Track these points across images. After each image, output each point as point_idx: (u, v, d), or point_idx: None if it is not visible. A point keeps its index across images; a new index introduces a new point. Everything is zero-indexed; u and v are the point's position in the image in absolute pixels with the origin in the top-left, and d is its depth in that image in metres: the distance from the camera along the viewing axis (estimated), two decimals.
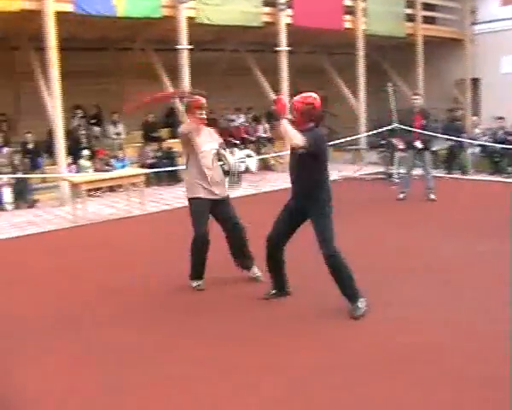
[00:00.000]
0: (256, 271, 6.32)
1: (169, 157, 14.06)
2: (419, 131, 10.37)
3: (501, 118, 14.55)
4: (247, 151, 15.86)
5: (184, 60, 13.39)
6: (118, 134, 14.98)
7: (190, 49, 13.53)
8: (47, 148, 13.75)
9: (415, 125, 10.43)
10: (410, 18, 18.37)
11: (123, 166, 13.40)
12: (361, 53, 16.95)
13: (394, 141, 12.81)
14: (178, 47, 13.32)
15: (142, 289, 6.34)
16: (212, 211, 6.13)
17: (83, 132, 13.96)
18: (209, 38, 15.82)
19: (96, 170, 12.96)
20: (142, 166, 13.66)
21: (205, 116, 6.14)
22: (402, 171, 11.65)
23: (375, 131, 14.76)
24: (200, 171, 6.07)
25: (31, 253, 8.36)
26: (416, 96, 10.81)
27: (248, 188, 12.87)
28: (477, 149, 13.90)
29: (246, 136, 16.47)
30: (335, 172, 13.58)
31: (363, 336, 4.83)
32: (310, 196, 5.32)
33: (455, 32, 19.52)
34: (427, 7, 18.90)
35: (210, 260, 6.15)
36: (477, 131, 14.65)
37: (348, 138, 14.90)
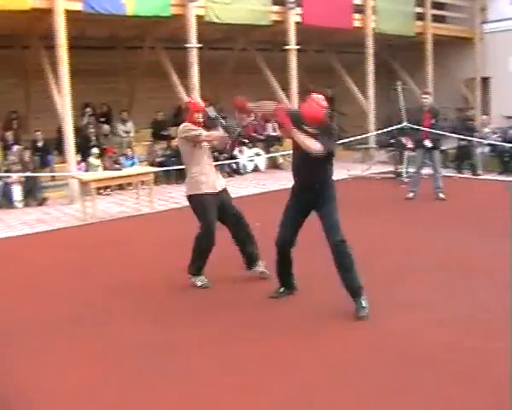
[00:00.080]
0: (261, 268, 6.32)
1: (178, 155, 14.00)
2: (428, 129, 10.33)
3: (511, 117, 14.48)
4: (256, 150, 15.86)
5: (193, 58, 13.39)
6: (127, 132, 15.01)
7: (199, 48, 13.54)
8: (56, 146, 13.82)
9: (424, 124, 10.39)
10: (420, 16, 18.32)
11: (132, 165, 13.43)
12: (370, 52, 16.90)
13: (403, 140, 12.79)
14: (187, 45, 13.33)
15: (151, 286, 6.34)
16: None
17: (92, 130, 14.00)
18: (218, 37, 15.84)
19: (105, 168, 12.99)
20: (151, 165, 13.69)
21: (201, 119, 6.28)
22: (411, 170, 11.61)
23: (384, 130, 14.71)
24: (202, 167, 6.15)
25: (40, 250, 8.38)
26: (426, 95, 10.75)
27: (257, 186, 12.90)
28: (487, 149, 13.84)
29: (254, 134, 16.45)
30: (344, 170, 13.57)
31: (372, 336, 4.80)
32: (321, 187, 5.35)
33: (465, 30, 19.46)
34: (437, 5, 18.84)
35: (211, 259, 6.19)
36: (487, 130, 14.58)
37: (357, 137, 14.87)
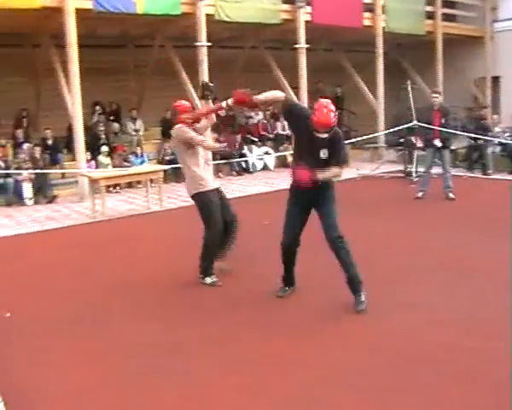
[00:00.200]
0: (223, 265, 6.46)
1: None
2: (438, 128, 10.30)
3: None
4: (266, 148, 15.87)
5: (203, 57, 13.42)
6: (136, 130, 15.06)
7: (209, 46, 13.57)
8: (66, 144, 13.89)
9: (434, 124, 10.36)
10: (430, 15, 18.26)
11: (141, 163, 13.48)
12: (380, 51, 16.86)
13: (413, 139, 12.75)
14: (197, 44, 13.35)
15: (154, 285, 6.35)
16: None
17: (102, 129, 14.06)
18: (228, 35, 15.86)
19: (115, 166, 13.04)
20: (161, 163, 13.73)
21: (190, 120, 6.33)
22: (420, 169, 11.58)
23: (393, 130, 14.68)
24: (200, 166, 6.23)
25: (48, 248, 8.41)
26: (436, 95, 10.71)
27: (267, 185, 12.91)
28: (498, 148, 13.78)
29: (264, 133, 16.47)
30: (353, 170, 13.55)
31: (373, 336, 4.81)
32: (321, 187, 5.36)
33: (475, 29, 19.38)
34: (448, 4, 18.77)
35: None
36: (497, 129, 14.51)
37: (367, 136, 14.85)
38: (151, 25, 14.23)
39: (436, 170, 10.91)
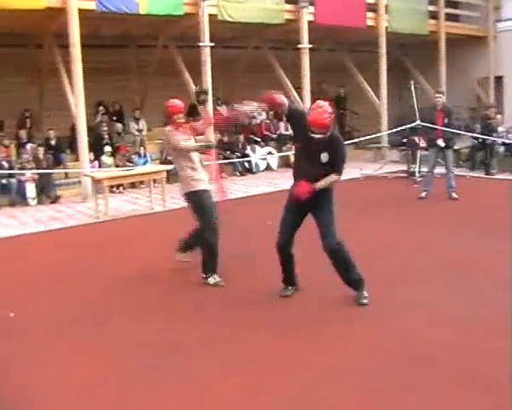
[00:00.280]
0: (184, 258, 6.68)
1: None
2: (441, 128, 10.28)
3: None
4: (269, 148, 15.87)
5: (206, 57, 13.42)
6: (139, 131, 15.08)
7: (212, 47, 13.57)
8: (69, 144, 13.91)
9: (437, 124, 10.34)
10: (433, 15, 18.24)
11: (144, 163, 13.49)
12: (383, 51, 16.85)
13: (416, 139, 12.74)
14: (200, 44, 13.35)
15: (155, 285, 6.37)
16: None
17: (105, 129, 14.07)
18: (230, 35, 15.86)
19: (118, 166, 13.05)
20: (164, 163, 13.72)
21: (182, 120, 6.44)
22: (424, 169, 11.56)
23: (396, 130, 14.66)
24: (194, 164, 6.30)
25: (53, 248, 8.43)
26: (439, 94, 10.69)
27: (270, 185, 12.91)
28: (502, 148, 13.75)
29: (267, 133, 16.47)
30: (356, 170, 13.54)
31: (373, 336, 4.81)
32: (322, 192, 5.38)
33: (478, 29, 19.36)
34: (451, 4, 18.74)
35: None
36: (501, 129, 14.49)
37: (370, 136, 14.83)
38: (154, 25, 14.24)
39: (439, 170, 10.90)
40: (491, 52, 19.22)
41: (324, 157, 5.28)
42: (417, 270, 6.45)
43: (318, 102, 5.32)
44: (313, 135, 5.23)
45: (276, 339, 4.80)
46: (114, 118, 15.25)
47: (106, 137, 13.91)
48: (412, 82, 13.56)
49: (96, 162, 13.07)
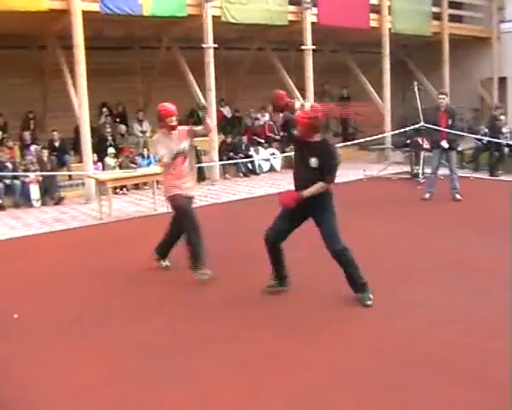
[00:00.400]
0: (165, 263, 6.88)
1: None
2: (445, 130, 10.27)
3: None
4: (272, 150, 15.87)
5: (210, 58, 13.43)
6: (143, 132, 15.09)
7: (215, 48, 13.58)
8: (73, 145, 13.93)
9: (441, 125, 10.33)
10: (436, 16, 18.22)
11: (148, 164, 13.49)
12: (386, 52, 16.83)
13: (420, 140, 12.72)
14: (204, 46, 13.37)
15: (155, 286, 6.40)
16: None
17: (108, 130, 14.09)
18: (234, 37, 15.87)
19: (122, 168, 13.06)
20: None
21: (175, 123, 6.48)
22: (427, 171, 11.55)
23: (400, 131, 14.65)
24: (177, 171, 6.46)
25: (56, 249, 8.45)
26: (442, 96, 10.67)
27: (273, 186, 12.91)
28: (506, 149, 13.72)
29: (270, 134, 16.47)
30: (360, 171, 13.54)
31: (373, 335, 4.82)
32: (317, 196, 5.39)
33: (482, 30, 19.33)
34: (454, 5, 18.71)
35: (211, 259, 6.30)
36: (505, 130, 14.46)
37: (373, 138, 14.82)
38: (157, 26, 14.26)
39: (443, 171, 10.89)
40: (495, 53, 19.20)
41: (314, 162, 5.32)
42: (419, 270, 6.46)
43: (314, 104, 5.38)
44: (305, 139, 5.32)
45: (276, 339, 4.81)
46: (118, 119, 15.28)
47: (109, 138, 13.92)
48: (415, 83, 13.54)
49: (100, 164, 13.09)
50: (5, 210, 11.54)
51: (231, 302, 5.75)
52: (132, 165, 13.14)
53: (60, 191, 12.41)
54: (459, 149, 11.76)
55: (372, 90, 17.57)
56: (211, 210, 10.79)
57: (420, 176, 12.40)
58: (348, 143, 16.01)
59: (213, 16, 13.36)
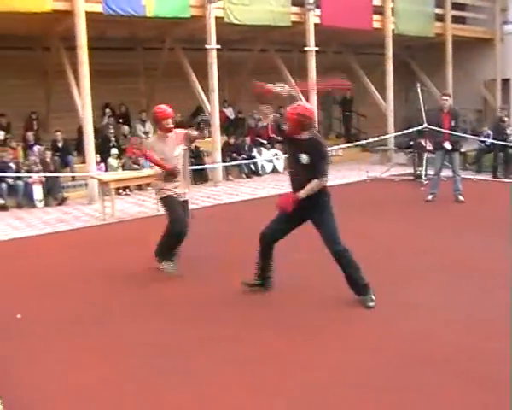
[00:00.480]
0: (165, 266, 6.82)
1: (196, 156, 14.13)
2: (448, 131, 10.27)
3: None
4: (275, 151, 15.87)
5: (213, 59, 13.45)
6: (146, 133, 15.10)
7: (218, 49, 13.59)
8: (76, 146, 13.96)
9: (444, 126, 10.32)
10: (440, 18, 18.21)
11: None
12: (389, 53, 16.84)
13: (422, 142, 12.72)
14: (207, 47, 13.38)
15: (155, 286, 6.41)
16: None
17: (112, 131, 14.11)
18: (237, 38, 15.88)
19: (125, 168, 13.08)
20: None
21: (172, 125, 6.55)
22: (430, 172, 11.54)
23: (403, 132, 14.65)
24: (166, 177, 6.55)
25: (60, 249, 8.46)
26: (446, 97, 10.66)
27: (275, 187, 12.92)
28: (510, 151, 13.69)
29: (273, 135, 16.44)
30: (363, 172, 13.54)
31: (373, 336, 4.83)
32: (314, 197, 5.39)
33: (485, 31, 19.31)
34: (457, 6, 18.70)
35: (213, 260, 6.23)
36: (509, 131, 14.43)
37: (376, 139, 14.82)
38: (160, 27, 14.28)
39: (446, 173, 10.88)
40: (498, 54, 19.18)
41: (304, 159, 5.34)
42: (420, 271, 6.47)
43: (305, 103, 5.48)
44: (294, 136, 5.39)
45: (277, 339, 4.82)
46: (121, 120, 15.30)
47: (112, 139, 13.96)
48: (418, 84, 13.54)
49: (103, 164, 13.11)
50: (8, 210, 11.57)
51: (232, 302, 5.76)
52: (135, 166, 13.15)
53: (63, 192, 12.44)
54: (462, 150, 11.74)
55: (375, 91, 17.57)
56: (213, 211, 10.81)
57: (423, 177, 12.40)
58: (351, 144, 16.02)
59: (216, 17, 13.38)
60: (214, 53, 13.47)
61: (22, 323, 5.48)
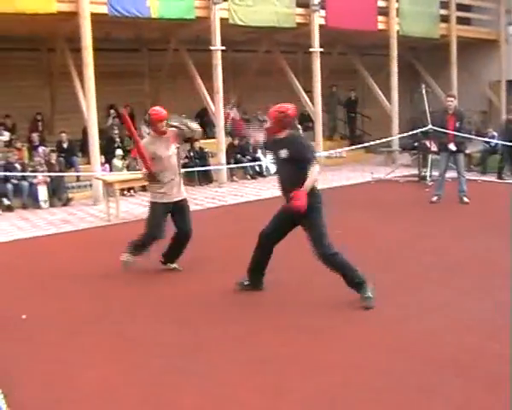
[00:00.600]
0: (174, 265, 6.91)
1: (201, 157, 14.16)
2: (453, 133, 10.25)
3: None
4: None
5: (217, 60, 13.45)
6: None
7: (223, 50, 13.60)
8: (81, 147, 13.99)
9: (448, 128, 10.31)
10: (444, 19, 18.19)
11: None
12: (394, 54, 16.82)
13: (427, 143, 12.70)
14: (212, 48, 13.39)
15: (178, 285, 6.41)
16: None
17: (116, 132, 14.13)
18: (242, 39, 15.88)
19: (129, 169, 13.09)
20: None
21: (166, 127, 6.58)
22: (435, 173, 11.52)
23: (408, 133, 14.63)
24: (162, 178, 6.56)
25: (64, 250, 8.47)
26: (451, 98, 10.64)
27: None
28: None
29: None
30: (368, 173, 13.53)
31: (392, 337, 4.80)
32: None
33: (490, 32, 19.29)
34: (462, 7, 18.68)
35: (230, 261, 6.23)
36: None
37: (381, 140, 14.81)
38: (165, 29, 14.30)
39: (450, 174, 10.86)
40: (503, 55, 19.16)
41: (283, 153, 5.42)
42: (423, 272, 6.46)
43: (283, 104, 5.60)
44: (275, 137, 5.52)
45: (298, 340, 4.80)
46: None
47: (117, 140, 13.98)
48: (423, 86, 13.53)
49: (107, 165, 13.13)
50: (13, 211, 11.59)
51: (253, 303, 5.74)
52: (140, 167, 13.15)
53: (67, 192, 12.46)
54: (467, 151, 11.72)
55: (380, 92, 17.56)
56: (218, 212, 10.82)
57: (428, 179, 12.39)
58: (355, 146, 16.01)
59: (221, 18, 13.38)
60: (219, 54, 13.48)
61: (26, 323, 5.48)
